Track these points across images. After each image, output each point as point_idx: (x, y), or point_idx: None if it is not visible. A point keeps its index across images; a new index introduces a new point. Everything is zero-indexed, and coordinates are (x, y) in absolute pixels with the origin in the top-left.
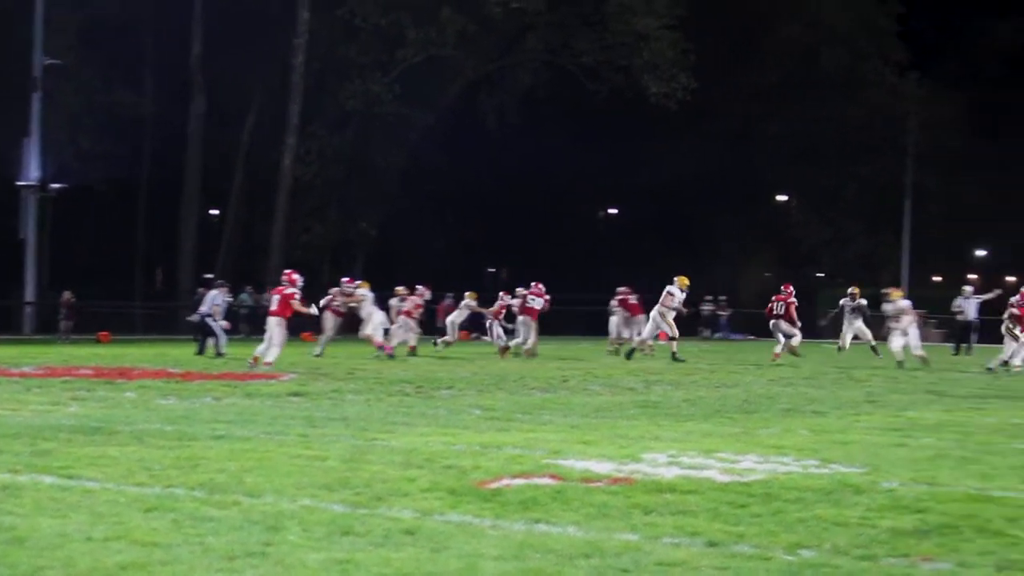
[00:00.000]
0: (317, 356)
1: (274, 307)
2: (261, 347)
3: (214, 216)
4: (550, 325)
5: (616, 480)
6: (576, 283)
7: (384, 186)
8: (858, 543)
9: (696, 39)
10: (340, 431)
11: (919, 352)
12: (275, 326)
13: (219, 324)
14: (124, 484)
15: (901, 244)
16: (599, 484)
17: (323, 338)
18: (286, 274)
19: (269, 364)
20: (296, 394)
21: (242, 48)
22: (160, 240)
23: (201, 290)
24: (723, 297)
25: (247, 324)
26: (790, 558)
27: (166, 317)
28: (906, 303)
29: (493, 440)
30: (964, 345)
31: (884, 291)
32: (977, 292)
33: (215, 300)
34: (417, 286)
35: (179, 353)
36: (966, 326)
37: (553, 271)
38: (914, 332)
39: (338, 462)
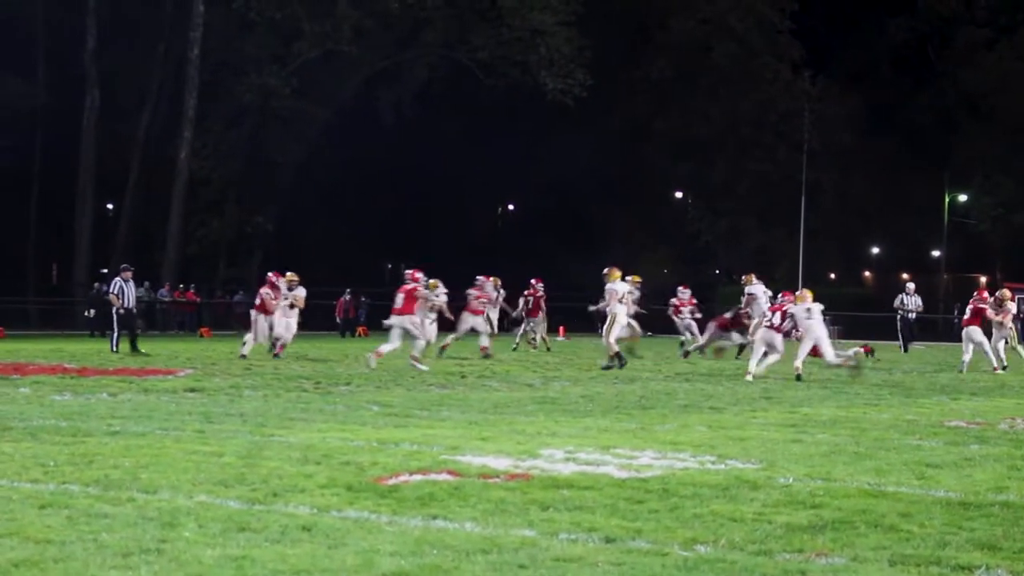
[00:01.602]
0: (243, 357)
1: (399, 305)
2: (386, 347)
3: (110, 210)
4: (446, 321)
5: (513, 476)
6: (474, 278)
7: (281, 181)
8: (753, 538)
9: (592, 35)
10: (237, 427)
11: (611, 343)
12: (410, 324)
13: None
14: (18, 481)
15: (796, 240)
16: (496, 480)
17: (252, 337)
18: (409, 273)
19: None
20: (193, 390)
21: (137, 41)
22: (55, 234)
23: (116, 281)
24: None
25: (143, 320)
26: (686, 554)
27: (61, 312)
28: (623, 286)
29: (391, 436)
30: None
31: (604, 272)
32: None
33: (115, 288)
34: (478, 277)
35: (75, 348)
36: (909, 323)
37: (451, 266)
38: (622, 321)
39: (235, 458)
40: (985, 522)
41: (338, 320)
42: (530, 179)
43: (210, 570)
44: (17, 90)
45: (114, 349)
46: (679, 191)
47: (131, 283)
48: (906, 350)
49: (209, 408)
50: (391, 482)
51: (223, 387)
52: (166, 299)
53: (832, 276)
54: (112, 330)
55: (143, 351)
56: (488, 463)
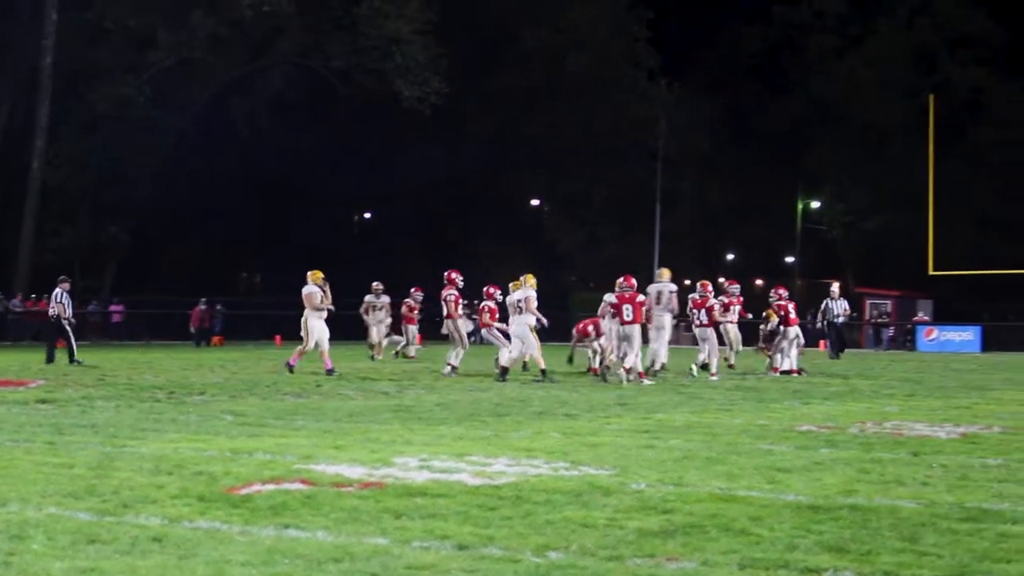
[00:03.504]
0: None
1: (629, 317)
2: (631, 358)
3: None
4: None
5: (367, 484)
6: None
7: (136, 190)
8: (605, 544)
9: (447, 44)
10: (89, 438)
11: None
12: (636, 334)
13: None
14: None
15: (652, 247)
16: (350, 489)
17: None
18: (626, 279)
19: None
20: (44, 401)
21: None
22: None
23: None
24: (477, 301)
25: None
26: (538, 560)
27: None
28: (386, 298)
29: (244, 446)
30: (836, 348)
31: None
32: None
33: (59, 298)
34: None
35: None
36: (838, 328)
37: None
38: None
39: (85, 469)
40: (834, 525)
41: (192, 330)
42: (387, 187)
43: None
44: None
45: (52, 360)
46: (536, 199)
47: (68, 295)
48: (837, 356)
49: (60, 419)
50: (243, 492)
51: (75, 398)
52: (19, 309)
53: (687, 282)
54: (52, 340)
55: (80, 360)
56: (342, 472)
